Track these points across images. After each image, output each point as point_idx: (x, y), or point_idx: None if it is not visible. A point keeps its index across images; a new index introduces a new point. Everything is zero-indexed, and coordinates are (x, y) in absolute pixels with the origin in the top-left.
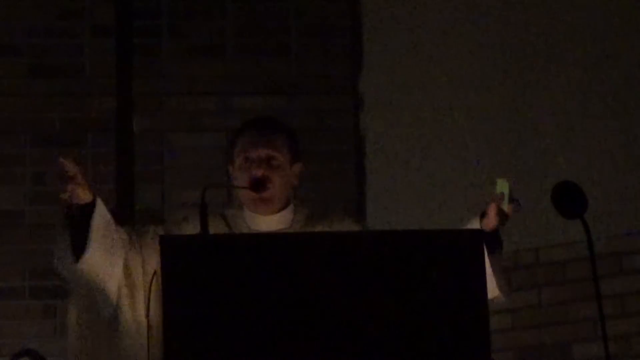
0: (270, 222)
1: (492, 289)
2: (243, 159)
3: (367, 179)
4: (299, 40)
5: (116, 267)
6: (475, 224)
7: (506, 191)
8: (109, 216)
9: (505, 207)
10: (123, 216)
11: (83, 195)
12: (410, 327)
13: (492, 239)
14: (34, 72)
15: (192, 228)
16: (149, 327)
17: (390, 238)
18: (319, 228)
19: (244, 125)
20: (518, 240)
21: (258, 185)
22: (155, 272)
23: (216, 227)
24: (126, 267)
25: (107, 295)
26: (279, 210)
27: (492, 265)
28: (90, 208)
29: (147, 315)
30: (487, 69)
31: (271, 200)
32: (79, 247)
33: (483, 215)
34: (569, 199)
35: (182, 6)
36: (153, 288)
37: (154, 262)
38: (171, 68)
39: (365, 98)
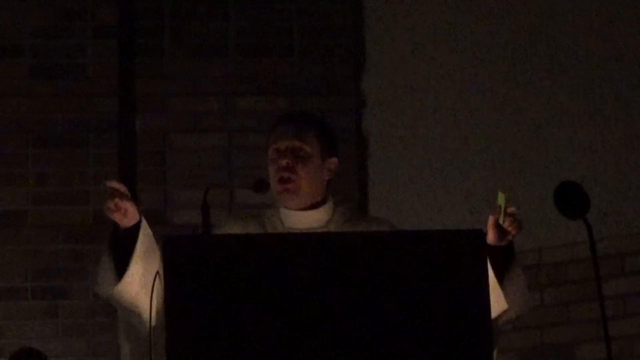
0: (303, 219)
1: (500, 303)
2: (272, 151)
3: (370, 179)
4: (301, 41)
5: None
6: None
7: (503, 204)
8: (151, 235)
9: (501, 220)
10: None
11: (134, 214)
12: (411, 327)
13: (504, 253)
14: (36, 72)
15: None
16: (151, 328)
17: (392, 238)
18: (357, 229)
19: (277, 120)
20: (520, 241)
21: (260, 186)
22: (157, 273)
23: (249, 228)
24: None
25: (145, 315)
26: (312, 206)
27: (502, 278)
28: (135, 230)
29: (150, 316)
30: (490, 69)
31: (296, 191)
32: (121, 269)
33: None
34: (571, 200)
35: (185, 7)
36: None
37: None
38: (173, 69)
39: (368, 98)
